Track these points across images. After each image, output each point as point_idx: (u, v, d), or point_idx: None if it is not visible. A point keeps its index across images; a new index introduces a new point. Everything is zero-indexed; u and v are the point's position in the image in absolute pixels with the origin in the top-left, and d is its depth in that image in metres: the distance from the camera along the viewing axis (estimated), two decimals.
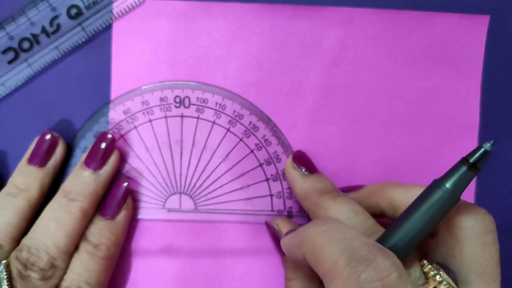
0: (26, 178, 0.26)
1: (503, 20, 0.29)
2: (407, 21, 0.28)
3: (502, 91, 0.29)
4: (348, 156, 0.29)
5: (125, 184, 0.27)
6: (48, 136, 0.26)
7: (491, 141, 0.19)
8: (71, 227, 0.25)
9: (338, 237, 0.19)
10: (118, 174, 0.28)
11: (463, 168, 0.19)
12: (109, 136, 0.26)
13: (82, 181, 0.26)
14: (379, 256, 0.18)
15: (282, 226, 0.27)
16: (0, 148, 0.28)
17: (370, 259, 0.18)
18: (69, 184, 0.26)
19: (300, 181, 0.27)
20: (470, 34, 0.28)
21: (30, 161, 0.26)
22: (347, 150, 0.29)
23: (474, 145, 0.29)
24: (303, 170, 0.27)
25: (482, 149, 0.19)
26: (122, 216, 0.26)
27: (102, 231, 0.25)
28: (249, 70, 0.28)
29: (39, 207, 0.26)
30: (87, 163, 0.26)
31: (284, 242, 0.23)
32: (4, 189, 0.26)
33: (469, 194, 0.29)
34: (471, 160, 0.19)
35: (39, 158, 0.26)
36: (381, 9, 0.28)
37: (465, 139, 0.29)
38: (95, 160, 0.26)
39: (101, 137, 0.26)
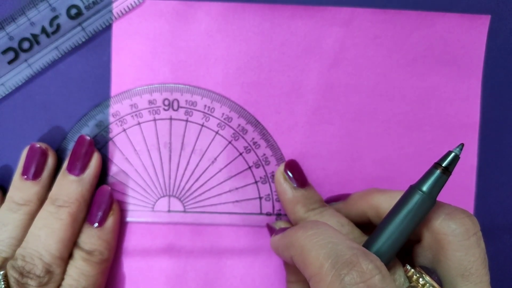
0: (24, 194, 0.26)
1: (504, 20, 0.29)
2: (407, 21, 0.28)
3: (503, 91, 0.29)
4: (348, 156, 0.29)
5: (108, 190, 0.27)
6: (37, 149, 0.26)
7: (460, 146, 0.21)
8: (62, 233, 0.25)
9: (325, 241, 0.19)
10: (106, 177, 0.28)
11: (437, 172, 0.21)
12: (87, 138, 0.27)
13: (67, 188, 0.26)
14: (363, 260, 0.18)
15: None
16: (0, 148, 0.28)
17: (354, 262, 0.18)
18: (55, 191, 0.26)
19: (290, 194, 0.27)
20: (471, 34, 0.28)
21: (24, 175, 0.26)
22: (347, 150, 0.29)
23: (475, 144, 0.29)
24: (294, 184, 0.27)
25: (453, 154, 0.21)
26: (110, 222, 0.26)
27: (92, 239, 0.26)
28: (249, 70, 0.28)
29: None
30: (70, 169, 0.26)
31: (273, 241, 0.24)
32: (4, 205, 0.26)
33: (469, 194, 0.29)
34: (444, 164, 0.21)
35: (33, 172, 0.26)
36: (381, 9, 0.28)
37: (466, 139, 0.29)
38: (77, 165, 0.26)
39: (79, 141, 0.27)
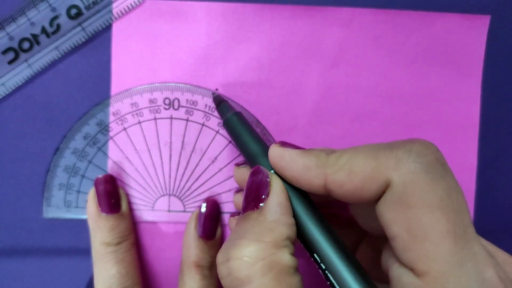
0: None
1: (504, 20, 0.29)
2: (407, 21, 0.28)
3: (502, 91, 0.29)
4: None
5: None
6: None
7: None
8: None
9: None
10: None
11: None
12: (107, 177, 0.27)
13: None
14: None
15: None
16: (0, 148, 0.28)
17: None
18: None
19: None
20: (471, 34, 0.28)
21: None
22: None
23: (474, 144, 0.29)
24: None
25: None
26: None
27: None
28: (249, 71, 0.28)
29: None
30: (108, 210, 0.27)
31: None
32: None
33: (469, 194, 0.29)
34: None
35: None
36: (381, 9, 0.28)
37: (465, 139, 0.29)
38: (113, 203, 0.27)
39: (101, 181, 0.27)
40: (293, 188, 0.20)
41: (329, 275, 0.17)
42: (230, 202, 0.28)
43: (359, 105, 0.28)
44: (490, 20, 0.28)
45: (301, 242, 0.19)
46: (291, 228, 0.18)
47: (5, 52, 0.27)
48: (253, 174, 0.20)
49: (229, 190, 0.28)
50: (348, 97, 0.28)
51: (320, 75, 0.28)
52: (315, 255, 0.18)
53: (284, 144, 0.20)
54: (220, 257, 0.18)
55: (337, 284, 0.17)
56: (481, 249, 0.16)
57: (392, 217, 0.16)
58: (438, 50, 0.28)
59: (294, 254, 0.18)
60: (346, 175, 0.17)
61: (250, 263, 0.17)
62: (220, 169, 0.28)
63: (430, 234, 0.15)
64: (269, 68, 0.28)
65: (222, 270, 0.17)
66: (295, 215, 0.19)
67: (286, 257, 0.17)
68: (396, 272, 0.17)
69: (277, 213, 0.18)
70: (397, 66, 0.28)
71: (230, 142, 0.28)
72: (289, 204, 0.19)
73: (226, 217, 0.28)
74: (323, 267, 0.18)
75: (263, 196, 0.19)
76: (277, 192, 0.19)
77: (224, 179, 0.28)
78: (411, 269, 0.16)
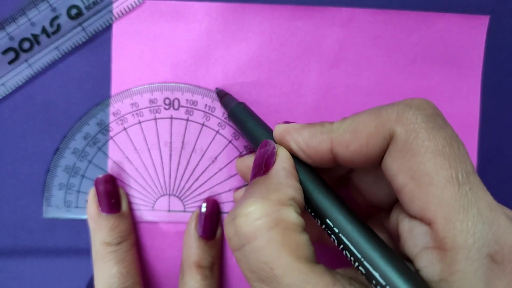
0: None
1: (503, 20, 0.29)
2: (407, 21, 0.28)
3: (502, 90, 0.29)
4: None
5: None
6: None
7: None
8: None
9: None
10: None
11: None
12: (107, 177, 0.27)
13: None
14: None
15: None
16: (0, 148, 0.28)
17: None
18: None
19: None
20: (470, 34, 0.28)
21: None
22: None
23: (474, 144, 0.29)
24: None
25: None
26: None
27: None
28: (249, 70, 0.28)
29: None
30: (108, 210, 0.27)
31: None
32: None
33: None
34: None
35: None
36: (381, 9, 0.28)
37: (465, 138, 0.29)
38: (113, 203, 0.27)
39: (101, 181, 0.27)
40: (300, 162, 0.20)
41: (343, 238, 0.18)
42: (230, 202, 0.28)
43: (359, 105, 0.28)
44: (489, 20, 0.28)
45: (311, 212, 0.19)
46: (296, 191, 0.19)
47: (5, 52, 0.27)
48: (261, 147, 0.21)
49: (229, 190, 0.28)
50: (348, 97, 0.28)
51: (320, 75, 0.28)
52: (327, 220, 0.18)
53: (288, 123, 0.21)
54: (227, 218, 0.18)
55: (352, 245, 0.17)
56: (486, 195, 0.16)
57: (398, 167, 0.17)
58: (438, 50, 0.28)
59: (301, 215, 0.18)
60: (351, 135, 0.18)
61: (255, 218, 0.17)
62: (220, 169, 0.28)
63: (434, 179, 0.16)
64: (269, 68, 0.28)
65: (228, 229, 0.18)
66: (304, 186, 0.20)
67: (291, 214, 0.18)
68: (407, 225, 0.17)
69: (282, 176, 0.19)
70: (397, 66, 0.28)
71: (230, 142, 0.28)
72: (294, 170, 0.20)
73: (225, 217, 0.28)
74: (336, 231, 0.18)
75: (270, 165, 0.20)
76: (282, 158, 0.20)
77: (224, 179, 0.28)
78: (420, 219, 0.16)
